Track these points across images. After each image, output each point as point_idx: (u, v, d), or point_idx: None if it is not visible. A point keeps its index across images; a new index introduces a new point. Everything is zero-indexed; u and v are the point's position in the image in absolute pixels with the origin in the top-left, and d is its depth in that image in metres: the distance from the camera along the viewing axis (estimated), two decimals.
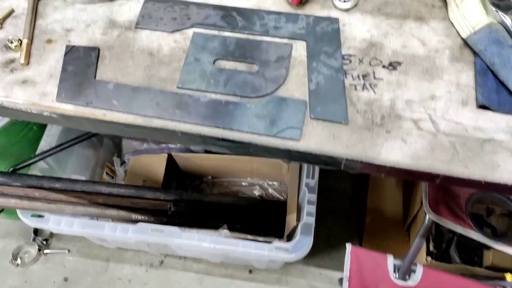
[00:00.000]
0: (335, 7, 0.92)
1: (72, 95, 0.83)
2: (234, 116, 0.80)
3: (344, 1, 0.91)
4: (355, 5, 0.91)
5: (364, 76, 0.83)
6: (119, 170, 1.89)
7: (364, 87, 0.82)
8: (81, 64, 0.86)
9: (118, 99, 0.82)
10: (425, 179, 0.78)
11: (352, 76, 0.83)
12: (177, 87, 0.84)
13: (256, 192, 1.91)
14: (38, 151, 1.54)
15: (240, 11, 0.92)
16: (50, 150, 1.52)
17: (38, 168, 1.55)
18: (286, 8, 0.92)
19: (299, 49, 0.87)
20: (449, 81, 0.82)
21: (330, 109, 0.80)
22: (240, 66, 0.86)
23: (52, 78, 0.85)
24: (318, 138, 0.77)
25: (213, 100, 0.82)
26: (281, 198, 1.92)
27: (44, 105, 0.83)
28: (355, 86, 0.82)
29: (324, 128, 0.78)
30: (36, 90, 0.84)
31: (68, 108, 0.83)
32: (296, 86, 0.83)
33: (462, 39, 0.85)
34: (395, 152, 0.76)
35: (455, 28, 0.87)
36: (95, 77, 0.85)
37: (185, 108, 0.81)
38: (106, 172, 1.90)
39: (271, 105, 0.81)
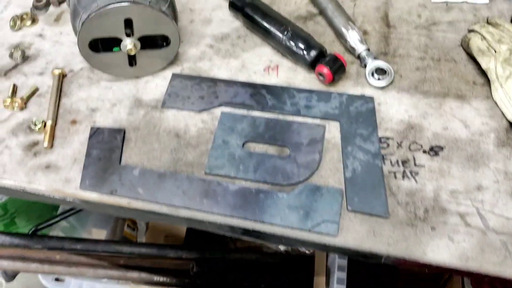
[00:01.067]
0: (369, 84, 0.87)
1: (96, 182, 0.80)
2: (265, 206, 0.75)
3: (379, 79, 0.87)
4: (391, 83, 0.87)
5: (403, 163, 0.78)
6: (141, 224, 1.85)
7: (404, 175, 0.77)
8: (105, 148, 0.83)
9: (144, 187, 0.79)
10: (472, 276, 0.71)
11: (391, 162, 0.78)
12: (205, 173, 0.80)
13: (282, 247, 1.84)
14: (60, 210, 1.52)
15: (269, 89, 0.88)
16: (71, 209, 1.49)
17: (59, 227, 1.53)
18: (317, 85, 0.89)
19: (333, 131, 0.83)
20: (496, 169, 0.76)
21: (368, 200, 0.74)
22: (271, 150, 0.82)
23: (76, 163, 0.82)
24: (356, 234, 0.72)
25: (242, 188, 0.78)
26: (308, 251, 1.84)
27: (68, 192, 0.80)
28: (395, 173, 0.77)
29: (363, 222, 0.73)
30: (60, 176, 0.81)
31: (92, 196, 0.80)
32: (330, 173, 0.78)
33: (508, 121, 0.80)
34: (441, 251, 0.69)
35: (499, 108, 0.81)
36: (120, 162, 0.82)
37: (213, 197, 0.77)
38: (128, 225, 1.86)
39: (305, 194, 0.76)
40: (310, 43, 0.88)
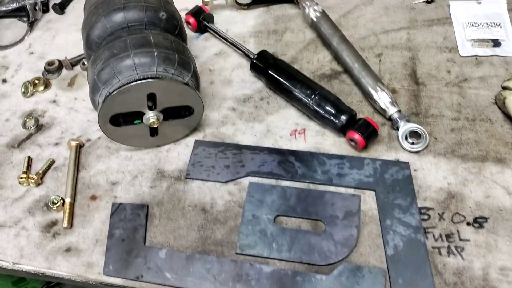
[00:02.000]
0: (403, 148, 0.83)
1: (121, 267, 0.75)
2: None
3: (413, 143, 0.83)
4: (426, 147, 0.83)
5: (447, 237, 0.73)
6: None
7: (449, 251, 0.72)
8: (129, 227, 0.79)
9: (171, 271, 0.74)
10: None
11: (434, 237, 0.74)
12: (236, 253, 0.75)
13: None
14: None
15: (298, 155, 0.84)
16: None
17: None
18: (348, 150, 0.85)
19: (369, 201, 0.79)
20: None
21: (414, 282, 0.70)
22: (305, 224, 0.77)
23: (98, 244, 0.77)
24: None
25: (277, 270, 0.73)
26: None
27: (90, 277, 0.75)
28: (439, 249, 0.72)
29: None
30: (81, 260, 0.76)
31: (116, 282, 0.75)
32: (370, 250, 0.74)
33: None
34: None
35: None
36: (144, 242, 0.77)
37: (246, 280, 0.72)
38: None
39: (345, 276, 0.71)
40: (339, 107, 0.84)
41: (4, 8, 1.08)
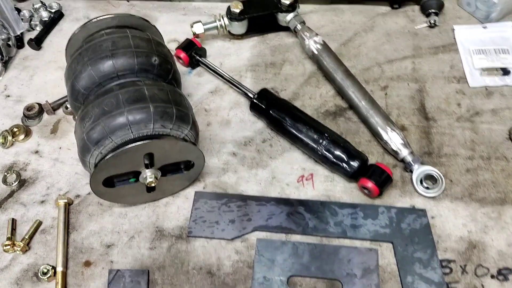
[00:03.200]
0: (418, 193, 0.79)
1: None
2: None
3: (428, 187, 0.78)
4: (442, 191, 0.78)
5: None
6: None
7: None
8: None
9: None
10: None
11: None
12: None
13: None
14: None
15: (307, 205, 0.79)
16: None
17: None
18: (359, 197, 0.79)
19: (387, 255, 0.74)
20: None
21: None
22: (320, 284, 0.72)
23: None
24: None
25: None
26: None
27: None
28: None
29: None
30: None
31: None
32: None
33: None
34: None
35: None
36: None
37: None
38: None
39: None
40: (350, 152, 0.78)
41: None
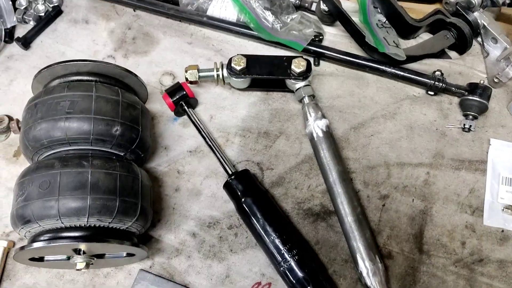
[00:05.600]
0: None
1: None
2: None
3: None
4: None
5: None
6: None
7: None
8: None
9: None
10: None
11: None
12: None
13: None
14: None
15: None
16: None
17: None
18: None
19: None
20: None
21: None
22: None
23: None
24: None
25: None
26: None
27: None
28: None
29: None
30: None
31: None
32: None
33: None
34: None
35: None
36: None
37: None
38: None
39: None
40: (315, 281, 0.67)
41: None
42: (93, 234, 0.61)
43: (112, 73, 0.72)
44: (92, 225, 0.61)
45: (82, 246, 0.62)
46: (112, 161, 0.65)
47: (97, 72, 0.71)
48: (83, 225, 0.61)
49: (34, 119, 0.65)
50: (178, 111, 0.84)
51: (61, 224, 0.60)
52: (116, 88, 0.70)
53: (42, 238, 0.61)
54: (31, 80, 0.81)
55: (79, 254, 0.64)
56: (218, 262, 0.75)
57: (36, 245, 0.59)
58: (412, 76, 0.85)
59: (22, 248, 0.61)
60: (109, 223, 0.62)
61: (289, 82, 0.82)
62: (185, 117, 0.86)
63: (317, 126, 0.78)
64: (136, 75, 0.74)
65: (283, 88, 0.85)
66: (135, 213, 0.64)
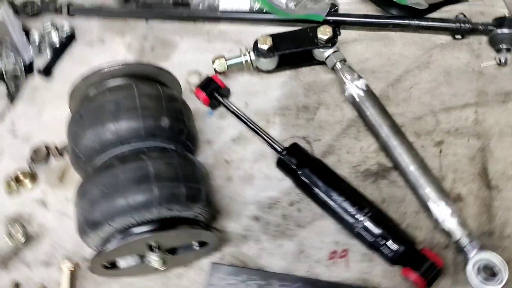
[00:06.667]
0: (473, 286, 0.66)
1: None
2: None
3: (486, 280, 0.65)
4: (504, 284, 0.65)
5: None
6: None
7: None
8: None
9: None
10: None
11: None
12: None
13: None
14: None
15: None
16: None
17: None
18: (402, 284, 0.67)
19: None
20: None
21: None
22: None
23: None
24: None
25: None
26: None
27: None
28: None
29: None
30: None
31: None
32: None
33: None
34: None
35: None
36: None
37: None
38: None
39: None
40: (393, 234, 0.66)
41: None
42: (166, 224, 0.60)
43: (146, 72, 0.72)
44: (163, 216, 0.60)
45: (155, 240, 0.61)
46: (168, 152, 0.64)
47: (132, 73, 0.71)
48: (154, 218, 0.59)
49: (81, 128, 0.64)
50: (213, 104, 0.84)
51: (132, 220, 0.58)
52: (156, 84, 0.70)
53: (115, 238, 0.59)
54: (61, 106, 0.81)
55: (153, 251, 0.63)
56: (288, 240, 0.73)
57: (112, 245, 0.58)
58: (437, 24, 0.85)
59: (99, 252, 0.59)
60: (179, 211, 0.60)
61: (318, 52, 0.82)
62: (221, 109, 0.85)
63: (356, 87, 0.77)
64: (169, 72, 0.74)
65: (311, 61, 0.85)
66: (201, 198, 0.62)
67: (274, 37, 0.81)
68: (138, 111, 0.63)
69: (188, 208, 0.61)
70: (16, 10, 0.99)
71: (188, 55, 0.93)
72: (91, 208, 0.59)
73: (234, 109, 0.82)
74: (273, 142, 0.77)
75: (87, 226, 0.60)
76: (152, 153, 0.62)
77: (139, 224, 0.59)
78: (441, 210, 0.68)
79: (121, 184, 0.58)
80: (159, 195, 0.58)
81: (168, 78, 0.75)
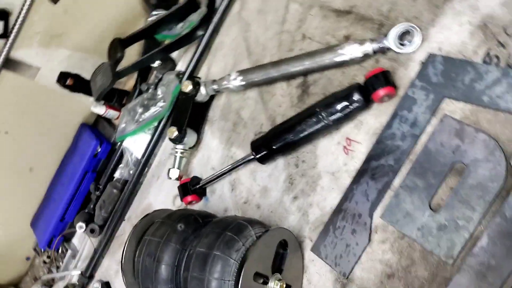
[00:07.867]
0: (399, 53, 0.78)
1: None
2: None
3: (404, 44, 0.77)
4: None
5: None
6: None
7: None
8: None
9: None
10: None
11: None
12: None
13: None
14: None
15: None
16: None
17: None
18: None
19: None
20: None
21: None
22: None
23: None
24: None
25: None
26: None
27: None
28: None
29: None
30: None
31: None
32: None
33: None
34: None
35: None
36: None
37: None
38: None
39: None
40: (344, 97, 0.79)
41: None
42: None
43: None
44: None
45: None
46: None
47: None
48: None
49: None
50: (201, 193, 1.00)
51: None
52: None
53: None
54: None
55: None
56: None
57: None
58: None
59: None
60: None
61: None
62: (209, 187, 1.01)
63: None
64: None
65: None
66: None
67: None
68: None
69: None
70: None
71: None
72: None
73: (210, 178, 0.98)
74: (243, 160, 0.93)
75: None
76: None
77: None
78: (345, 50, 0.83)
79: None
80: None
81: None
